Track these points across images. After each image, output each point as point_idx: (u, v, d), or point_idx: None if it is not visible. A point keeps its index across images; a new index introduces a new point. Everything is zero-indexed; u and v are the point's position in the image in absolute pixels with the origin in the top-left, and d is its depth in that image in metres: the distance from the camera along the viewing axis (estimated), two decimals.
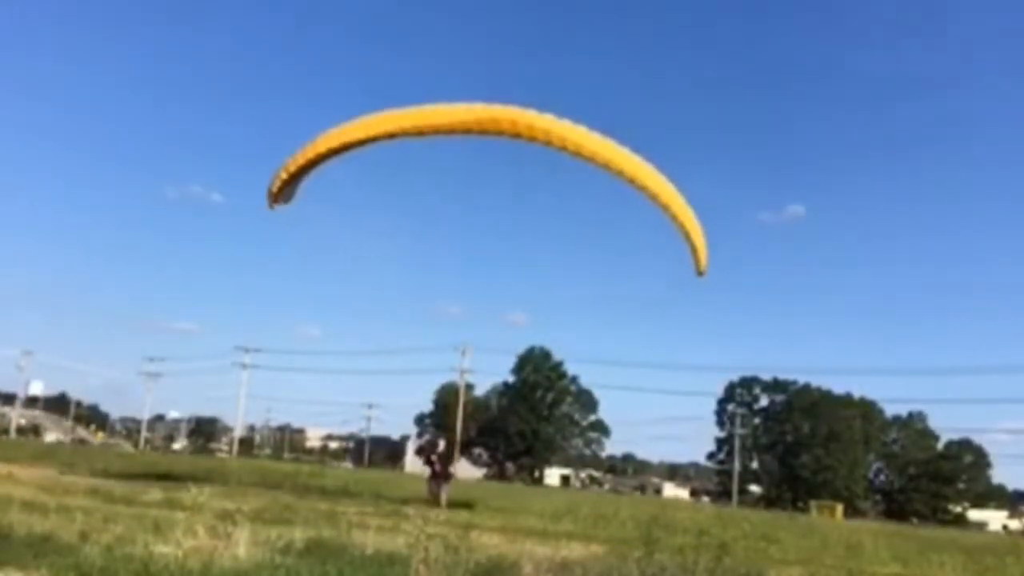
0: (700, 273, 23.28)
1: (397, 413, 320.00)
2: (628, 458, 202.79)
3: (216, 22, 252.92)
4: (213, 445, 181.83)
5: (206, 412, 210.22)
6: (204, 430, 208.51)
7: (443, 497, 28.68)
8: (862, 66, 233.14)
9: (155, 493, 24.90)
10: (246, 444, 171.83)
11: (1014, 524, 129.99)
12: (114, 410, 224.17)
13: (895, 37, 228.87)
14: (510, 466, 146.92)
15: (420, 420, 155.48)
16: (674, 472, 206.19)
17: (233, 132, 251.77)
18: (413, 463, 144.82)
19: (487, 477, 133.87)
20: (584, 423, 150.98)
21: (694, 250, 22.69)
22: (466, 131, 20.88)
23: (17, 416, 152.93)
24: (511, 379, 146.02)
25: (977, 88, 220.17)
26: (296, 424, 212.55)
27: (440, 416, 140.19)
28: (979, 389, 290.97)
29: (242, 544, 12.27)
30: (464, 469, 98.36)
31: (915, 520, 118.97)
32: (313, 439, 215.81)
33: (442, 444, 32.25)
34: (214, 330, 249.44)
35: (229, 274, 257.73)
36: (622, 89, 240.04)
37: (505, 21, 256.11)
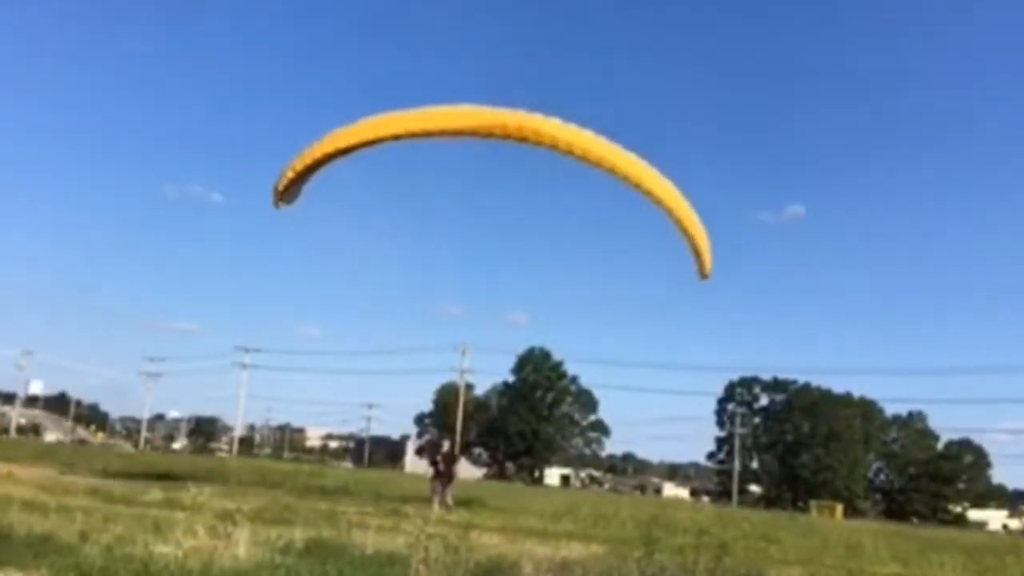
0: (704, 277, 23.35)
1: (397, 413, 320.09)
2: (628, 458, 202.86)
3: (216, 21, 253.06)
4: (213, 445, 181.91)
5: (206, 412, 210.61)
6: (204, 430, 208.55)
7: (448, 498, 28.63)
8: (862, 65, 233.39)
9: (155, 493, 24.92)
10: (246, 444, 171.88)
11: (1014, 524, 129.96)
12: (114, 410, 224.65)
13: (895, 36, 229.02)
14: (510, 466, 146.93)
15: (420, 420, 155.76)
16: (674, 472, 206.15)
17: (233, 132, 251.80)
18: (413, 463, 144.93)
19: (487, 477, 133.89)
20: (584, 423, 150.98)
21: (698, 255, 22.70)
22: (473, 134, 20.88)
23: (17, 416, 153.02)
24: (511, 379, 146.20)
25: (978, 87, 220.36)
26: (296, 424, 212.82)
27: (440, 416, 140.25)
28: (979, 389, 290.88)
29: (242, 544, 12.27)
30: (464, 469, 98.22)
31: (915, 520, 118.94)
32: (313, 439, 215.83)
33: (446, 445, 32.32)
34: (214, 330, 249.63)
35: (229, 274, 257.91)
36: (622, 88, 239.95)
37: (505, 20, 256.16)
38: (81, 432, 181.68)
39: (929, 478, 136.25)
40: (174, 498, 21.31)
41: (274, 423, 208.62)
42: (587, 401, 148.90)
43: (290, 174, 22.00)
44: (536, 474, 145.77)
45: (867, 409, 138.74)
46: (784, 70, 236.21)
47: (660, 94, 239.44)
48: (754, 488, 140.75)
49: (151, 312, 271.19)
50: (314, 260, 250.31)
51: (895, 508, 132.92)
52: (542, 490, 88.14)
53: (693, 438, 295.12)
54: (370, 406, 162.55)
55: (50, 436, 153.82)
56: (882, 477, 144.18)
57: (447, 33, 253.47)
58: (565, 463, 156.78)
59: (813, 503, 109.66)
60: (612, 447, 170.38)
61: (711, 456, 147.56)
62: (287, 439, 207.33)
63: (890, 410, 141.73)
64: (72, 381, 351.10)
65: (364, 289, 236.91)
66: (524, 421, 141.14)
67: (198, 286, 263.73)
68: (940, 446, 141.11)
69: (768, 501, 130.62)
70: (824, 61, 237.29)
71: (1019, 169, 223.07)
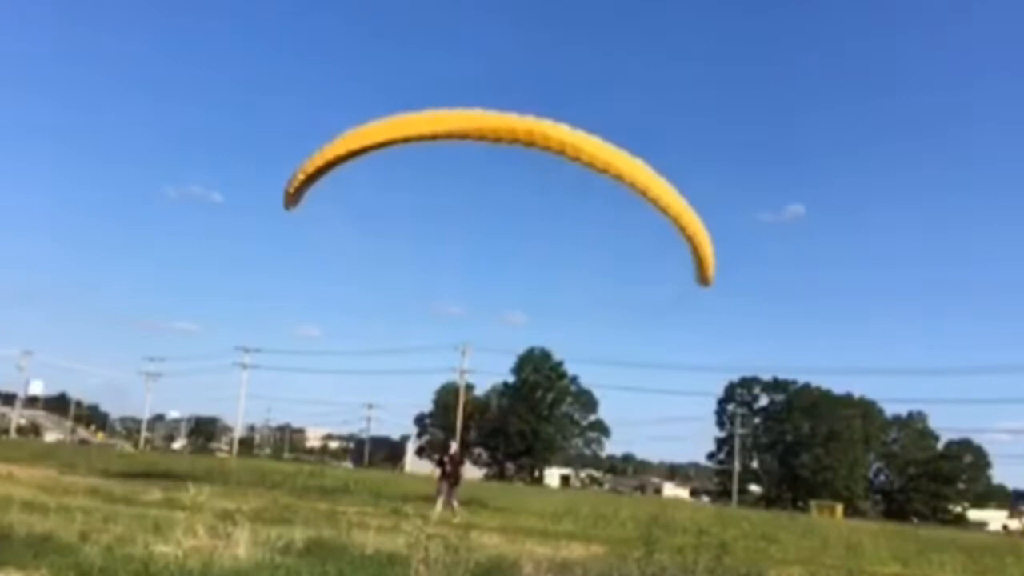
0: (706, 285, 23.38)
1: (397, 413, 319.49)
2: (628, 458, 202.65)
3: (216, 21, 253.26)
4: (213, 445, 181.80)
5: (206, 412, 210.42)
6: (204, 430, 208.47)
7: (454, 501, 28.56)
8: (862, 65, 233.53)
9: (155, 493, 24.93)
10: (246, 444, 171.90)
11: (1014, 524, 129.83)
12: (114, 410, 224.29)
13: (895, 35, 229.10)
14: (510, 466, 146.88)
15: (420, 420, 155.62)
16: (674, 472, 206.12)
17: (233, 131, 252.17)
18: (413, 463, 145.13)
19: (487, 477, 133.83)
20: (584, 423, 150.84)
21: (701, 263, 22.70)
22: (482, 138, 20.90)
23: (17, 416, 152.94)
24: (511, 379, 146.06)
25: (978, 87, 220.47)
26: (296, 424, 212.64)
27: (440, 416, 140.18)
28: (979, 389, 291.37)
29: (242, 544, 12.27)
30: (464, 469, 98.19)
31: (915, 520, 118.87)
32: (313, 439, 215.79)
33: (454, 446, 32.09)
34: (214, 330, 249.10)
35: (229, 274, 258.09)
36: (622, 88, 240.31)
37: (505, 19, 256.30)
38: (81, 432, 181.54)
39: (929, 478, 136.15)
40: (174, 498, 21.29)
41: (274, 423, 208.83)
42: (587, 401, 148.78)
43: (301, 176, 21.98)
44: (536, 474, 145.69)
45: (867, 409, 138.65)
46: (784, 70, 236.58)
47: (660, 93, 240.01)
48: (754, 488, 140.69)
49: (151, 312, 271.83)
50: (314, 260, 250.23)
51: (895, 508, 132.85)
52: (542, 490, 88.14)
53: (693, 438, 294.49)
54: (370, 406, 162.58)
55: (50, 436, 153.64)
56: (882, 477, 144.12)
57: (447, 32, 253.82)
58: (565, 463, 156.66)
59: (813, 503, 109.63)
60: (612, 447, 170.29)
61: (711, 456, 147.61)
62: (287, 439, 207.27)
63: (890, 410, 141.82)
64: (72, 381, 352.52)
65: (364, 289, 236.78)
66: (524, 421, 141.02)
67: (198, 286, 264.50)
68: (940, 446, 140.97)
69: (768, 501, 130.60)
70: (824, 61, 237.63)
71: (1019, 169, 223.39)
